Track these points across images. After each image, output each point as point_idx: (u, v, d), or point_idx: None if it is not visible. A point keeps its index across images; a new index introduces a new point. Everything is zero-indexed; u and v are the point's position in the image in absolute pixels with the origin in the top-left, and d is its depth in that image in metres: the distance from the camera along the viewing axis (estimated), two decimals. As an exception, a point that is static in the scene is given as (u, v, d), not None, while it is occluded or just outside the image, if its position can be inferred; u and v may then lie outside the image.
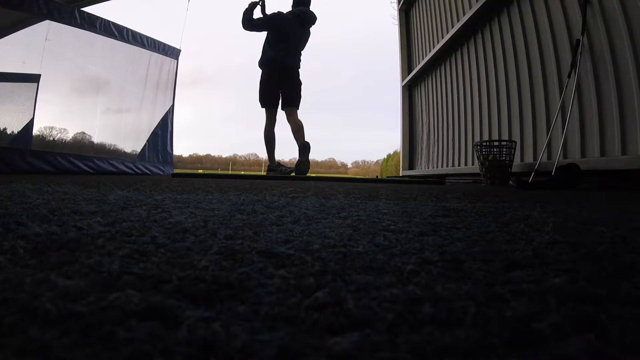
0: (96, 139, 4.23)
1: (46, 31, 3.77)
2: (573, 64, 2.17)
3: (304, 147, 3.34)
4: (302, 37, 3.59)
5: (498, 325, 0.18)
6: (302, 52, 3.64)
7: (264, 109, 3.52)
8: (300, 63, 3.62)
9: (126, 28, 4.33)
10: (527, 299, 0.22)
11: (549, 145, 2.40)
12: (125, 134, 4.47)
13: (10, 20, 4.17)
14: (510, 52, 2.99)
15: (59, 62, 3.89)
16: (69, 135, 4.02)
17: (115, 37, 4.22)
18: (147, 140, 4.65)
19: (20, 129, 3.94)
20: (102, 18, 4.10)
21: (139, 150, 4.56)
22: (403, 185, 2.38)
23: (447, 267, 0.29)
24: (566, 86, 2.24)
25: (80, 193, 0.95)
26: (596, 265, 0.31)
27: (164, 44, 4.77)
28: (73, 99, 4.12)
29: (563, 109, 2.25)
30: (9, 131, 3.66)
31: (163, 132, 4.81)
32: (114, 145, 4.39)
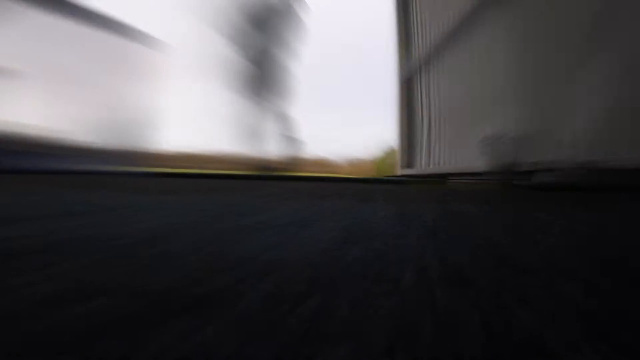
0: (78, 137, 4.11)
1: (31, 23, 3.68)
2: (598, 49, 1.95)
3: (290, 143, 3.33)
4: (279, 29, 3.57)
5: (503, 335, 0.17)
6: (288, 43, 3.62)
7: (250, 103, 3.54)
8: (285, 54, 3.59)
9: (112, 18, 4.25)
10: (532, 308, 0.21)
11: (566, 141, 2.21)
12: (105, 130, 4.35)
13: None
14: (525, 34, 2.65)
15: (42, 55, 3.79)
16: (49, 134, 3.94)
17: (100, 27, 4.13)
18: (128, 137, 4.53)
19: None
20: (90, 9, 4.04)
21: (116, 146, 4.42)
22: (401, 185, 2.36)
23: (448, 277, 0.28)
24: (589, 75, 2.02)
25: (60, 196, 0.93)
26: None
27: (148, 35, 4.65)
28: (54, 94, 4.01)
29: (586, 100, 2.06)
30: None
31: (147, 127, 4.67)
32: (93, 142, 4.24)
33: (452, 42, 3.78)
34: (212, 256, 0.31)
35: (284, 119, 3.37)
